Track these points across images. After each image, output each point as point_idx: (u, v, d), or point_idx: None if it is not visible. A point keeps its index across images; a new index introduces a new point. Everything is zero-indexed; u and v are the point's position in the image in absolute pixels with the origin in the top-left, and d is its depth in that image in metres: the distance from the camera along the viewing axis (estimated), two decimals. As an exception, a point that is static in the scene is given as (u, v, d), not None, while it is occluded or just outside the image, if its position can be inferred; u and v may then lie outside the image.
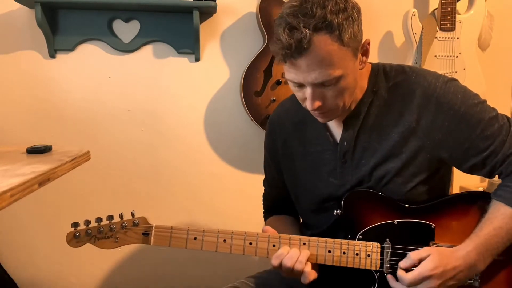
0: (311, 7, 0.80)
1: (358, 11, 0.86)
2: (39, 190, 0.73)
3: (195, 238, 0.93)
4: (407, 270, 0.89)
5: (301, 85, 0.88)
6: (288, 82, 0.90)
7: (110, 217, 0.92)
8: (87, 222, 0.90)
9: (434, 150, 0.93)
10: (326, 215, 1.01)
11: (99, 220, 0.91)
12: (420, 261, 0.88)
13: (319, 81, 0.84)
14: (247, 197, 1.83)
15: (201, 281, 1.87)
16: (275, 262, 0.90)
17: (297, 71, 0.85)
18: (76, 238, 0.90)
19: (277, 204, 1.20)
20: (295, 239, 0.93)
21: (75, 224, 0.89)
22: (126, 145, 1.78)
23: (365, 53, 0.91)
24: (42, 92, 1.71)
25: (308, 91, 0.87)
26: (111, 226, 0.91)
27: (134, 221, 0.92)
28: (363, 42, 0.89)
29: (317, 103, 0.88)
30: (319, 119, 0.95)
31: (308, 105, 0.89)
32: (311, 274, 0.90)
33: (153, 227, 0.93)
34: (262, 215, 1.24)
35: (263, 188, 1.24)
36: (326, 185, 1.01)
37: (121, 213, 0.92)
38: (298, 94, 0.91)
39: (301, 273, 0.89)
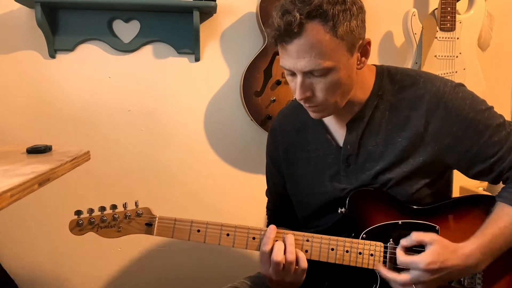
0: None
1: (360, 8, 0.85)
2: (39, 190, 0.72)
3: (198, 231, 0.92)
4: (407, 249, 0.89)
5: (293, 74, 0.88)
6: (285, 71, 0.90)
7: (114, 207, 0.91)
8: (90, 211, 0.90)
9: (441, 155, 0.93)
10: (328, 217, 1.01)
11: (102, 209, 0.90)
12: (419, 243, 0.87)
13: (308, 69, 0.84)
14: (247, 197, 1.83)
15: (201, 281, 1.87)
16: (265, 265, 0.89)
17: (288, 56, 0.85)
18: (79, 226, 0.89)
19: (277, 214, 1.19)
20: (298, 236, 0.92)
21: (78, 212, 0.89)
22: (126, 145, 1.78)
23: (365, 53, 0.91)
24: (42, 92, 1.71)
25: (298, 79, 0.87)
26: (115, 215, 0.91)
27: (138, 211, 0.91)
28: (362, 41, 0.88)
29: (305, 94, 0.88)
30: (311, 114, 0.95)
31: (296, 94, 0.89)
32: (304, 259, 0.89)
33: (157, 218, 0.92)
34: (262, 214, 1.24)
35: (264, 190, 1.22)
36: (329, 188, 1.00)
37: (125, 203, 0.91)
38: (291, 84, 0.91)
39: (292, 265, 0.88)
